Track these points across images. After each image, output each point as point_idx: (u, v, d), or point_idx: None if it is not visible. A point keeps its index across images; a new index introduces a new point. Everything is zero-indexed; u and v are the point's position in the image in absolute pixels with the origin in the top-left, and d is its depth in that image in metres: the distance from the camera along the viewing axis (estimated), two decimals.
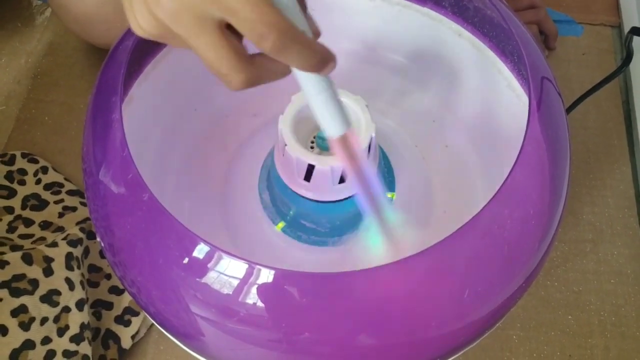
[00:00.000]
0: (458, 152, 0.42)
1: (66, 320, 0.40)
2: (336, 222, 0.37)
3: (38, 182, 0.49)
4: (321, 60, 0.22)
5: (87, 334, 0.40)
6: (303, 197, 0.34)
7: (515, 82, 0.37)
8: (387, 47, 0.44)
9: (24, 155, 0.50)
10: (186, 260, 0.27)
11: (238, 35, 0.22)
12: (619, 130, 0.54)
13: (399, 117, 0.44)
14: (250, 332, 0.27)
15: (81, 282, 0.41)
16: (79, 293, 0.41)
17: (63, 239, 0.42)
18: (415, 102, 0.44)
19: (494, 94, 0.40)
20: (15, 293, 0.39)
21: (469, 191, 0.40)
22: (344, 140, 0.26)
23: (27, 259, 0.40)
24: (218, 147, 0.42)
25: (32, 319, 0.39)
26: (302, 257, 0.38)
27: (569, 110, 0.48)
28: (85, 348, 0.40)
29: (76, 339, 0.40)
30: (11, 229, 0.45)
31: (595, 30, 0.60)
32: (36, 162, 0.50)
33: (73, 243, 0.42)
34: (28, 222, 0.46)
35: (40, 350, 0.39)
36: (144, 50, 0.37)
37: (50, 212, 0.47)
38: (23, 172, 0.49)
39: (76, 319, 0.40)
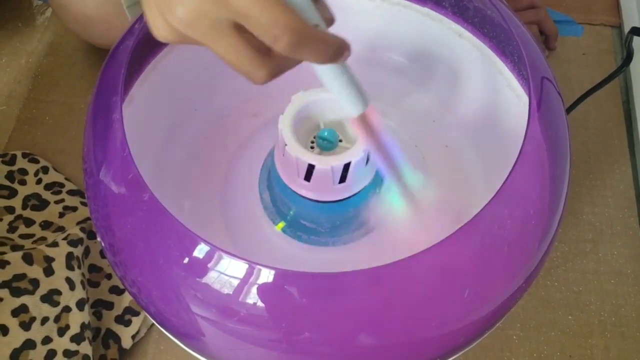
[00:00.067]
0: (458, 152, 0.42)
1: (67, 320, 0.40)
2: (336, 222, 0.37)
3: (39, 182, 0.49)
4: (336, 52, 0.23)
5: (88, 333, 0.40)
6: (303, 197, 0.34)
7: (515, 82, 0.37)
8: (387, 47, 0.44)
9: (24, 155, 0.50)
10: (186, 260, 0.27)
11: None
12: (619, 130, 0.54)
13: (399, 117, 0.44)
14: (250, 332, 0.27)
15: (82, 282, 0.41)
16: (79, 293, 0.41)
17: (64, 238, 0.42)
18: (415, 102, 0.44)
19: (494, 94, 0.40)
20: (16, 293, 0.39)
21: (469, 191, 0.40)
22: (364, 118, 0.27)
23: (28, 259, 0.40)
24: (218, 147, 0.42)
25: (33, 319, 0.39)
26: (302, 257, 0.38)
27: (569, 110, 0.48)
28: (85, 348, 0.40)
29: (77, 339, 0.40)
30: (12, 228, 0.45)
31: (596, 30, 0.60)
32: (37, 162, 0.50)
33: (73, 243, 0.42)
34: (29, 222, 0.46)
35: (41, 350, 0.39)
36: (145, 51, 0.37)
37: (51, 212, 0.47)
38: (24, 172, 0.49)
39: (77, 319, 0.40)
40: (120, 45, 0.34)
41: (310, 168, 0.32)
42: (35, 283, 0.40)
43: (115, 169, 0.30)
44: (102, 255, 0.45)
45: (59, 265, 0.41)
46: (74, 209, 0.47)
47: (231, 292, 0.27)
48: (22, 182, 0.48)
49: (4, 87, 0.56)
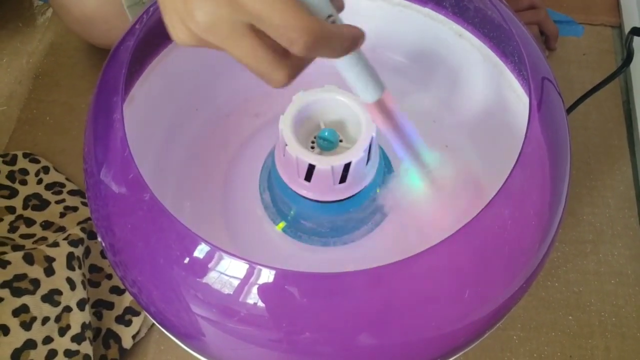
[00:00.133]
0: (458, 153, 0.42)
1: (67, 320, 0.40)
2: (337, 222, 0.37)
3: (39, 182, 0.49)
4: (351, 45, 0.23)
5: (89, 333, 0.40)
6: (304, 197, 0.34)
7: (515, 83, 0.37)
8: (387, 47, 0.44)
9: (25, 155, 0.50)
10: (187, 260, 0.27)
11: None
12: (619, 130, 0.54)
13: None
14: (250, 332, 0.27)
15: (82, 282, 0.41)
16: (80, 293, 0.41)
17: (64, 238, 0.42)
18: (415, 103, 0.44)
19: (494, 95, 0.40)
20: (17, 293, 0.39)
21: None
22: (380, 103, 0.27)
23: (29, 259, 0.41)
24: (219, 147, 0.42)
25: (34, 319, 0.39)
26: (303, 257, 0.38)
27: (569, 110, 0.48)
28: (86, 348, 0.40)
29: (77, 339, 0.40)
30: (12, 228, 0.46)
31: (596, 31, 0.60)
32: (37, 162, 0.50)
33: (74, 243, 0.42)
34: (29, 222, 0.46)
35: (42, 350, 0.39)
36: (145, 51, 0.37)
37: (52, 212, 0.47)
38: (24, 172, 0.49)
39: (77, 319, 0.40)
40: (121, 45, 0.34)
41: (311, 168, 0.32)
42: (36, 283, 0.40)
43: (116, 169, 0.30)
44: (103, 255, 0.45)
45: (59, 265, 0.41)
46: (75, 209, 0.47)
47: (232, 292, 0.27)
48: (23, 182, 0.48)
49: (5, 87, 0.56)
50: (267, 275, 0.26)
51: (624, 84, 0.56)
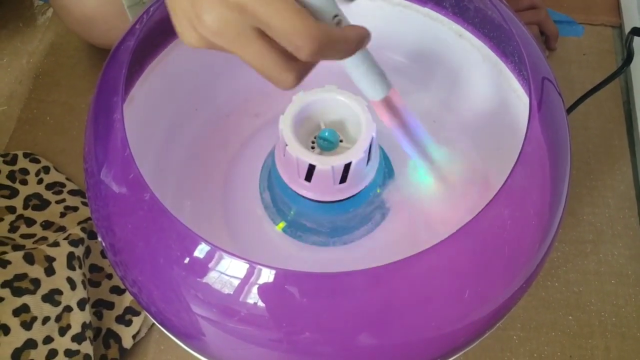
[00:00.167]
0: (458, 152, 0.42)
1: (68, 319, 0.40)
2: (337, 222, 0.37)
3: (40, 182, 0.49)
4: (356, 46, 0.23)
5: (89, 333, 0.40)
6: (304, 197, 0.35)
7: (515, 83, 0.37)
8: (387, 48, 0.44)
9: (25, 155, 0.50)
10: (187, 260, 0.27)
11: None
12: (619, 130, 0.54)
13: None
14: (251, 331, 0.27)
15: (82, 282, 0.41)
16: (80, 292, 0.41)
17: (64, 238, 0.42)
18: (415, 103, 0.44)
19: (494, 95, 0.40)
20: (17, 292, 0.39)
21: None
22: (387, 101, 0.28)
23: (29, 259, 0.41)
24: (219, 147, 0.42)
25: (34, 319, 0.39)
26: (303, 257, 0.38)
27: (569, 110, 0.48)
28: (86, 347, 0.40)
29: (78, 339, 0.40)
30: (13, 228, 0.46)
31: (596, 31, 0.60)
32: (38, 162, 0.50)
33: (74, 243, 0.42)
34: (30, 222, 0.46)
35: (42, 350, 0.39)
36: (145, 51, 0.37)
37: (52, 212, 0.47)
38: (25, 171, 0.49)
39: (78, 319, 0.40)
40: (121, 45, 0.34)
41: (311, 168, 0.32)
42: (36, 283, 0.40)
43: (116, 168, 0.30)
44: (103, 255, 0.45)
45: (60, 265, 0.41)
46: (75, 208, 0.47)
47: (232, 292, 0.27)
48: (24, 182, 0.48)
49: (5, 87, 0.56)
50: (267, 275, 0.26)
51: (624, 84, 0.56)
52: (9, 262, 0.40)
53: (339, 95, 0.33)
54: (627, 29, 0.54)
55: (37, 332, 0.39)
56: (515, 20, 0.35)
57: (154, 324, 0.44)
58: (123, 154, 0.29)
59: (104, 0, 0.48)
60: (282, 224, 0.38)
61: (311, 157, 0.32)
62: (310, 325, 0.27)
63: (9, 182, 0.48)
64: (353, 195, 0.35)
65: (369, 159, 0.33)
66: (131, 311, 0.43)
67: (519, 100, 0.37)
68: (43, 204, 0.47)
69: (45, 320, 0.39)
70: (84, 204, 0.48)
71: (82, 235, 0.43)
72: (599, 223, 0.49)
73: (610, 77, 0.47)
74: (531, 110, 0.30)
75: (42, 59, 0.57)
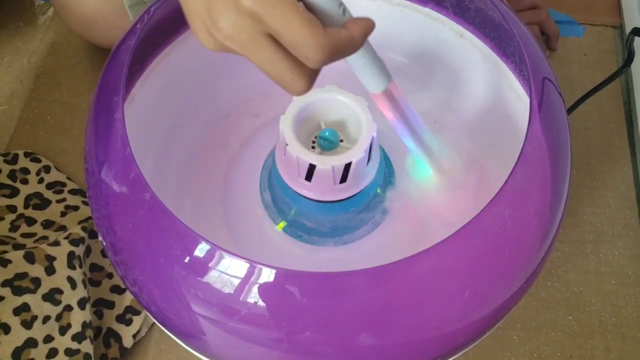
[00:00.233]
0: (459, 152, 0.42)
1: (68, 318, 0.40)
2: (337, 222, 0.37)
3: (40, 181, 0.49)
4: (362, 41, 0.24)
5: (89, 332, 0.40)
6: (304, 196, 0.35)
7: (516, 83, 0.37)
8: (388, 48, 0.44)
9: (26, 155, 0.50)
10: (187, 259, 0.27)
11: None
12: (620, 131, 0.54)
13: None
14: (251, 331, 0.27)
15: (83, 281, 0.41)
16: (80, 292, 0.41)
17: (65, 237, 0.42)
18: (416, 103, 0.44)
19: (495, 95, 0.40)
20: (18, 291, 0.39)
21: (470, 191, 0.40)
22: (387, 93, 0.28)
23: (30, 258, 0.41)
24: (219, 147, 0.43)
25: (35, 318, 0.39)
26: (303, 256, 0.38)
27: (570, 110, 0.48)
28: (87, 346, 0.40)
29: (78, 338, 0.40)
30: (14, 227, 0.46)
31: (597, 31, 0.60)
32: (39, 161, 0.50)
33: (75, 242, 0.42)
34: (30, 221, 0.46)
35: (43, 349, 0.39)
36: (146, 50, 0.37)
37: (53, 211, 0.47)
38: (26, 171, 0.49)
39: (78, 318, 0.40)
40: (122, 45, 0.34)
41: (311, 168, 0.32)
42: (36, 282, 0.40)
43: (117, 168, 0.30)
44: (103, 254, 0.45)
45: (60, 264, 0.41)
46: (76, 208, 0.47)
47: (232, 292, 0.27)
48: (24, 181, 0.49)
49: (6, 87, 0.56)
50: (267, 275, 0.26)
51: (624, 85, 0.56)
52: (9, 261, 0.40)
53: (340, 95, 0.33)
54: (628, 29, 0.54)
55: (38, 331, 0.39)
56: (516, 20, 0.35)
57: (154, 323, 0.44)
58: (124, 154, 0.29)
59: (104, 0, 0.48)
60: (282, 224, 0.38)
61: (311, 157, 0.32)
62: (310, 325, 0.27)
63: (9, 182, 0.48)
64: (353, 195, 0.35)
65: (369, 159, 0.33)
66: (131, 310, 0.43)
67: (520, 100, 0.37)
68: (44, 203, 0.47)
69: (46, 319, 0.39)
70: (85, 203, 0.48)
71: (83, 234, 0.43)
72: (599, 223, 0.49)
73: (610, 78, 0.47)
74: (532, 110, 0.30)
75: (43, 59, 0.57)
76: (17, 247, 0.43)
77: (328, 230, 0.37)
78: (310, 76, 0.23)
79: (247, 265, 0.26)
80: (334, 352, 0.27)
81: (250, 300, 0.27)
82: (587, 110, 0.53)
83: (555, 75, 0.35)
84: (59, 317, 0.40)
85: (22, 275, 0.40)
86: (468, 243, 0.28)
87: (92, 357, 0.40)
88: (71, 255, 0.41)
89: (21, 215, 0.47)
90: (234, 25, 0.22)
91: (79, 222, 0.45)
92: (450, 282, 0.28)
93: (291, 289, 0.27)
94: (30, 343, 0.39)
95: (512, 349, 0.44)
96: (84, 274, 0.42)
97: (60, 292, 0.40)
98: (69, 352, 0.39)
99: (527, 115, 0.30)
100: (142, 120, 0.36)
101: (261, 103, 0.44)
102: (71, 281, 0.41)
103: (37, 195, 0.48)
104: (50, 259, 0.41)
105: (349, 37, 0.23)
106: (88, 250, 0.44)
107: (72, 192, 0.49)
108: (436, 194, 0.34)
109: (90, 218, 0.46)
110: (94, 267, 0.44)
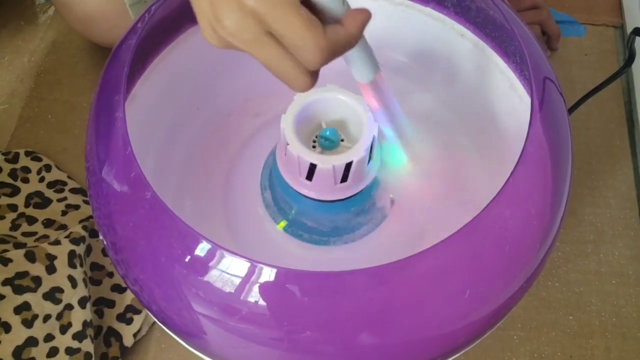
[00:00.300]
0: (460, 152, 0.42)
1: (69, 317, 0.40)
2: (338, 221, 0.37)
3: (41, 180, 0.49)
4: (359, 37, 0.24)
5: (90, 331, 0.40)
6: (305, 196, 0.35)
7: (517, 83, 0.37)
8: (389, 47, 0.44)
9: (27, 154, 0.50)
10: (188, 258, 0.27)
11: None
12: (621, 131, 0.54)
13: None
14: (252, 330, 0.27)
15: (84, 280, 0.41)
16: (81, 291, 0.41)
17: (66, 236, 0.42)
18: (416, 102, 0.44)
19: (496, 95, 0.40)
20: (19, 290, 0.39)
21: (471, 191, 0.40)
22: (374, 84, 0.28)
23: (30, 257, 0.41)
24: (220, 146, 0.43)
25: (35, 316, 0.39)
26: (304, 256, 0.38)
27: (571, 110, 0.48)
28: (87, 345, 0.40)
29: (79, 337, 0.40)
30: (14, 226, 0.46)
31: (598, 31, 0.60)
32: (39, 160, 0.50)
33: (76, 241, 0.42)
34: (31, 220, 0.46)
35: (43, 348, 0.39)
36: (147, 49, 0.37)
37: (54, 210, 0.47)
38: (26, 170, 0.49)
39: (79, 317, 0.40)
40: (123, 43, 0.34)
41: (312, 167, 0.32)
42: (37, 281, 0.40)
43: (118, 167, 0.30)
44: (104, 253, 0.45)
45: (61, 263, 0.41)
46: (77, 207, 0.47)
47: (233, 291, 0.27)
48: (25, 180, 0.49)
49: (7, 86, 0.56)
50: (268, 274, 0.26)
51: (625, 85, 0.56)
52: (10, 260, 0.40)
53: (341, 94, 0.33)
54: (629, 29, 0.54)
55: (38, 330, 0.39)
56: (517, 20, 0.35)
57: (155, 322, 0.44)
58: (124, 153, 0.29)
59: None
60: (283, 223, 0.38)
61: (312, 156, 0.32)
62: (311, 324, 0.27)
63: (10, 180, 0.48)
64: (354, 195, 0.35)
65: (370, 158, 0.33)
66: (132, 309, 0.43)
67: (521, 100, 0.37)
68: (44, 202, 0.47)
69: (46, 318, 0.39)
70: (85, 202, 0.48)
71: (83, 233, 0.43)
72: (599, 223, 0.49)
73: (611, 78, 0.46)
74: (533, 110, 0.30)
75: (44, 58, 0.57)
76: (18, 246, 0.43)
77: (329, 229, 0.37)
78: (313, 73, 0.23)
79: (248, 264, 0.26)
80: (335, 352, 0.27)
81: (251, 299, 0.27)
82: (588, 110, 0.53)
83: (556, 75, 0.35)
84: (59, 316, 0.40)
85: (22, 274, 0.40)
86: (469, 242, 0.28)
87: (93, 356, 0.40)
88: (72, 254, 0.41)
89: (22, 214, 0.47)
90: (237, 23, 0.22)
91: (80, 221, 0.45)
92: (451, 281, 0.28)
93: (292, 289, 0.27)
94: (31, 342, 0.39)
95: (513, 349, 0.44)
96: (85, 272, 0.42)
97: (61, 291, 0.40)
98: (69, 351, 0.39)
99: (527, 115, 0.30)
100: (142, 120, 0.36)
101: (262, 103, 0.44)
102: (72, 280, 0.41)
103: (38, 194, 0.48)
104: (51, 257, 0.41)
105: (347, 36, 0.23)
106: (89, 249, 0.44)
107: (73, 191, 0.49)
108: (410, 180, 0.36)
109: (91, 217, 0.46)
110: (95, 266, 0.44)
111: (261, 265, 0.26)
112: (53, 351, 0.39)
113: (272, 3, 0.21)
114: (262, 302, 0.27)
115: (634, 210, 0.50)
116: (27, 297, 0.39)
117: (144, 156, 0.32)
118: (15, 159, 0.50)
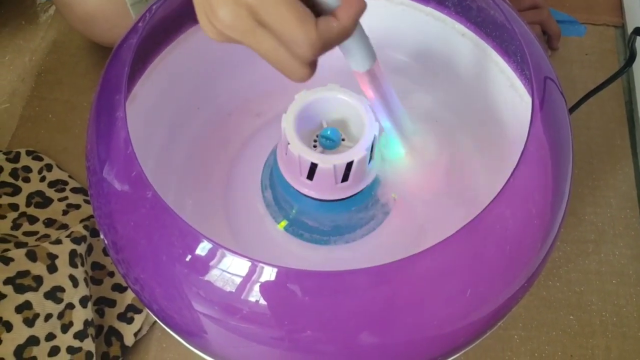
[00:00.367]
0: (460, 152, 0.42)
1: (70, 316, 0.40)
2: (338, 220, 0.37)
3: (42, 179, 0.49)
4: (353, 28, 0.24)
5: (91, 330, 0.40)
6: (306, 195, 0.35)
7: (518, 82, 0.37)
8: (390, 47, 0.44)
9: (28, 153, 0.50)
10: (189, 257, 0.28)
11: None
12: (621, 130, 0.54)
13: None
14: (252, 329, 0.27)
15: (85, 279, 0.41)
16: (82, 290, 0.41)
17: (67, 236, 0.42)
18: (417, 102, 0.44)
19: (496, 94, 0.40)
20: (20, 289, 0.39)
21: (472, 191, 0.40)
22: (371, 73, 0.28)
23: (32, 256, 0.41)
24: (221, 146, 0.43)
25: (37, 315, 0.39)
26: (305, 255, 0.38)
27: (571, 110, 0.48)
28: (88, 345, 0.40)
29: (80, 336, 0.40)
30: (16, 226, 0.46)
31: (599, 31, 0.59)
32: (41, 159, 0.50)
33: (77, 240, 0.42)
34: (32, 220, 0.46)
35: (45, 347, 0.39)
36: (148, 49, 0.37)
37: (55, 210, 0.47)
38: (28, 169, 0.49)
39: (80, 316, 0.40)
40: (124, 43, 0.34)
41: (313, 167, 0.32)
42: (38, 280, 0.40)
43: (119, 166, 0.30)
44: (105, 252, 0.45)
45: (62, 262, 0.41)
46: (78, 206, 0.47)
47: (234, 290, 0.27)
48: (26, 180, 0.49)
49: (8, 85, 0.56)
50: (269, 273, 0.26)
51: (626, 84, 0.56)
52: (11, 259, 0.40)
53: (341, 94, 0.33)
54: (630, 29, 0.54)
55: (40, 329, 0.39)
56: (517, 19, 0.35)
57: (155, 321, 0.44)
58: (125, 152, 0.29)
59: None
60: (283, 223, 0.38)
61: (313, 156, 0.32)
62: (312, 324, 0.27)
63: (11, 180, 0.48)
64: (355, 194, 0.35)
65: (371, 158, 0.34)
66: (133, 309, 0.43)
67: (521, 99, 0.37)
68: (45, 202, 0.47)
69: (48, 317, 0.40)
70: (86, 201, 0.48)
71: (85, 232, 0.43)
72: (600, 223, 0.49)
73: (612, 77, 0.46)
74: (533, 110, 0.30)
75: (45, 57, 0.57)
76: (19, 245, 0.43)
77: (329, 229, 0.37)
78: (311, 64, 0.23)
79: (249, 263, 0.26)
80: (336, 351, 0.28)
81: (252, 298, 0.27)
82: (588, 110, 0.53)
83: (557, 74, 0.35)
84: (60, 315, 0.40)
85: (24, 274, 0.40)
86: (470, 242, 0.28)
87: (94, 355, 0.40)
88: (73, 254, 0.41)
89: (23, 214, 0.47)
90: (232, 15, 0.22)
91: (81, 221, 0.45)
92: (451, 281, 0.28)
93: (293, 288, 0.27)
94: (32, 341, 0.39)
95: (513, 349, 0.44)
96: (86, 272, 0.42)
97: (62, 290, 0.40)
98: (70, 350, 0.39)
99: (528, 114, 0.30)
100: (143, 119, 0.36)
101: (262, 102, 0.44)
102: (73, 279, 0.41)
103: (39, 193, 0.48)
104: (52, 257, 0.41)
105: (340, 28, 0.23)
106: (90, 249, 0.44)
107: (74, 190, 0.49)
108: (411, 178, 0.35)
109: (91, 216, 0.46)
110: (96, 266, 0.44)
111: (262, 264, 0.26)
112: (54, 350, 0.39)
113: None
114: (263, 302, 0.27)
115: (635, 209, 0.50)
116: (29, 296, 0.39)
117: (144, 156, 0.32)
118: (16, 158, 0.50)
